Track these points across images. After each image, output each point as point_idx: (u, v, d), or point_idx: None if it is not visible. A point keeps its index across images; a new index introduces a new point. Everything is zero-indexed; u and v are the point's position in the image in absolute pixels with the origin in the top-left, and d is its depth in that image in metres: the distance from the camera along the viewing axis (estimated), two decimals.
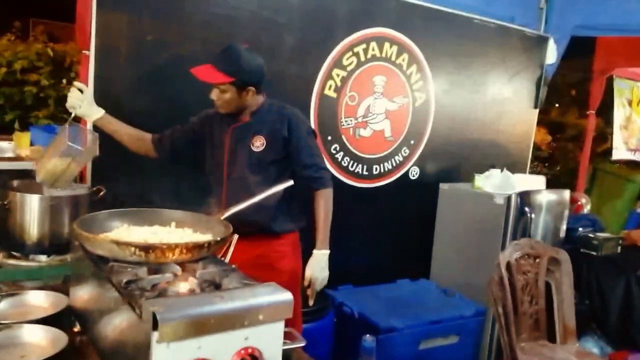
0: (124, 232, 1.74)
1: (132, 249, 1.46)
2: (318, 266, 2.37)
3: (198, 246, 1.54)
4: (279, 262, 2.47)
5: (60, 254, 2.33)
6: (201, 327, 1.24)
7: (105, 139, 2.69)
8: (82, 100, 2.38)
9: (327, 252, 2.38)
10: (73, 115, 2.33)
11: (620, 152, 6.05)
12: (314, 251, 2.37)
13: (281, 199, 2.38)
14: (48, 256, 2.34)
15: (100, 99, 2.67)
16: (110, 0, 2.65)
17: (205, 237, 1.74)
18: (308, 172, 2.40)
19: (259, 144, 2.40)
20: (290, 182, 2.18)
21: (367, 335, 2.96)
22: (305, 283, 2.36)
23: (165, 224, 1.83)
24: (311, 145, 2.45)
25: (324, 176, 2.43)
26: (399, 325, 3.13)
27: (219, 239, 1.62)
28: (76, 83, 2.41)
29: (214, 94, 2.34)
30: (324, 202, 2.41)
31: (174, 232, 1.78)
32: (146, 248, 1.48)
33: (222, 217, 1.88)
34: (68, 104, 2.38)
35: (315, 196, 2.41)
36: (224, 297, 1.32)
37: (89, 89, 2.54)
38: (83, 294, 1.75)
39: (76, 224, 1.61)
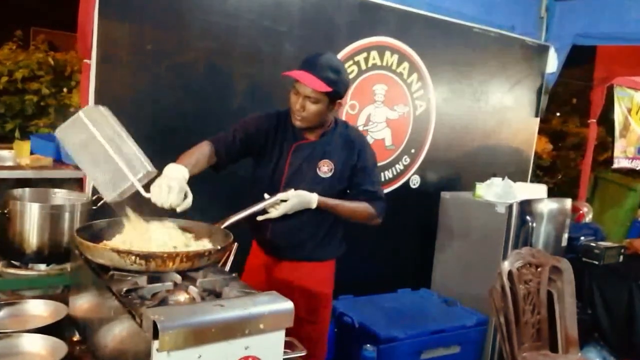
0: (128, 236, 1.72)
1: (133, 257, 1.46)
2: (298, 195, 2.12)
3: (199, 255, 1.53)
4: (317, 288, 2.38)
5: (60, 263, 2.32)
6: (202, 336, 1.23)
7: None
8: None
9: (315, 202, 2.16)
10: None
11: (620, 161, 6.06)
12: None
13: (330, 224, 2.33)
14: (47, 265, 2.33)
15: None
16: (112, 10, 2.65)
17: (206, 245, 1.73)
18: (366, 196, 2.30)
19: (326, 169, 2.26)
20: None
21: (368, 345, 2.97)
22: (275, 198, 2.09)
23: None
24: (376, 177, 2.38)
25: (376, 202, 2.31)
26: (400, 335, 3.11)
27: (219, 247, 1.60)
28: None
29: (299, 104, 2.15)
30: (361, 205, 2.28)
31: (175, 236, 1.74)
32: (146, 257, 1.47)
33: (223, 226, 1.86)
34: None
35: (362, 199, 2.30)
36: (224, 306, 1.31)
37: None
38: (82, 303, 1.74)
39: (76, 232, 1.61)
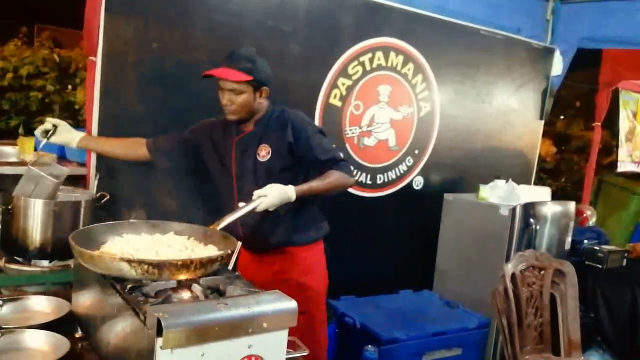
0: (122, 243, 1.68)
1: (145, 267, 1.41)
2: (278, 191, 2.10)
3: (212, 261, 1.51)
4: (303, 277, 2.39)
5: (63, 260, 2.33)
6: (205, 334, 1.23)
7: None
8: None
9: (294, 195, 2.16)
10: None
11: (625, 165, 6.04)
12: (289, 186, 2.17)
13: (298, 208, 2.32)
14: (50, 262, 2.34)
15: (106, 105, 2.69)
16: (119, 7, 2.66)
17: (210, 250, 1.69)
18: (325, 166, 2.30)
19: (264, 153, 2.34)
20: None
21: (370, 346, 2.97)
22: (255, 195, 2.09)
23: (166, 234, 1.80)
24: (323, 143, 2.34)
25: (343, 164, 2.33)
26: (402, 337, 3.10)
27: (230, 252, 1.58)
28: (50, 120, 2.43)
29: (226, 99, 2.27)
30: (331, 176, 2.26)
31: (175, 242, 1.72)
32: (159, 266, 1.42)
33: (219, 228, 1.85)
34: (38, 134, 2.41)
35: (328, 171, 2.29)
36: (228, 305, 1.31)
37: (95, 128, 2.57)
38: (86, 300, 1.74)
39: (73, 239, 1.54)
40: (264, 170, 2.32)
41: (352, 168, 3.57)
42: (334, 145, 2.47)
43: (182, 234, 1.81)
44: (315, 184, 2.25)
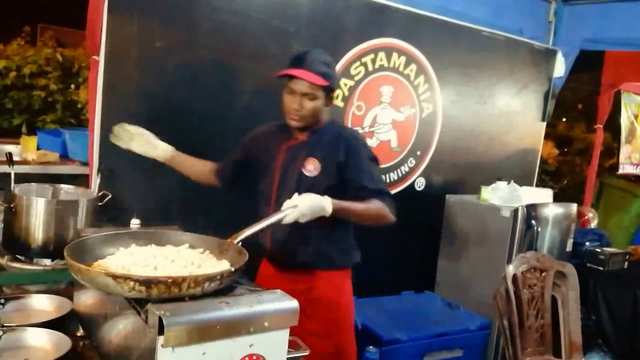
0: (123, 256, 1.56)
1: (131, 283, 1.27)
2: (310, 199, 1.89)
3: (209, 279, 1.35)
4: (326, 302, 2.25)
5: (64, 259, 2.32)
6: (206, 332, 1.23)
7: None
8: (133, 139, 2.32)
9: (329, 207, 1.93)
10: None
11: (625, 167, 6.04)
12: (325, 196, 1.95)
13: (332, 230, 2.19)
14: (52, 260, 2.34)
15: (109, 104, 2.69)
16: (121, 6, 2.66)
17: (222, 266, 1.54)
18: (368, 194, 2.12)
19: (311, 167, 2.18)
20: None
21: (371, 347, 2.96)
22: (285, 206, 1.88)
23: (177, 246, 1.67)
24: (372, 171, 2.19)
25: (389, 199, 2.14)
26: (403, 338, 3.10)
27: (232, 270, 1.43)
28: (131, 127, 2.33)
29: (297, 103, 2.12)
30: (371, 204, 2.09)
31: (183, 256, 1.57)
32: (147, 282, 1.28)
33: (236, 241, 1.69)
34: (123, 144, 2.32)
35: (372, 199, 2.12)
36: (229, 304, 1.31)
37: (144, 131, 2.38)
38: (87, 298, 1.74)
39: (67, 250, 1.43)
40: (307, 186, 2.12)
41: None
42: (380, 177, 2.30)
43: (197, 246, 1.67)
44: (355, 205, 2.07)
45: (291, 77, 2.13)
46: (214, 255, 1.63)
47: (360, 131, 3.61)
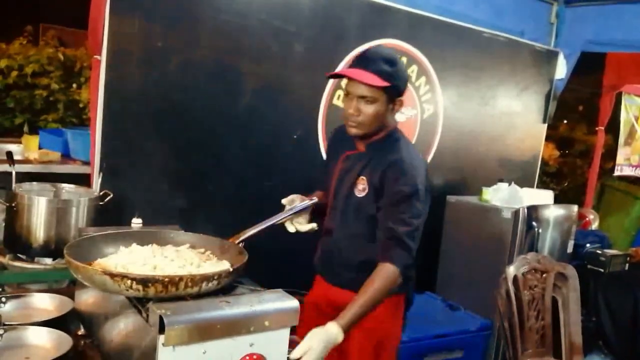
0: (123, 255, 1.55)
1: (129, 282, 1.27)
2: (321, 340, 1.63)
3: (206, 278, 1.34)
4: (368, 327, 1.97)
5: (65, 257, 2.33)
6: (207, 331, 1.24)
7: (116, 138, 2.72)
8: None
9: (341, 335, 1.68)
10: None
11: (622, 168, 6.03)
12: (329, 323, 1.69)
13: (373, 251, 1.92)
14: (53, 259, 2.34)
15: (111, 104, 2.70)
16: (123, 6, 2.66)
17: (221, 266, 1.53)
18: (382, 235, 1.89)
19: (361, 187, 1.96)
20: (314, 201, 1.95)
21: None
22: (297, 354, 1.60)
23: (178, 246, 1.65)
24: (399, 210, 1.86)
25: (394, 249, 1.84)
26: (403, 338, 3.05)
27: (230, 270, 1.41)
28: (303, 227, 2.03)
29: (353, 107, 1.88)
30: (378, 278, 1.81)
31: (183, 256, 1.56)
32: (144, 281, 1.28)
33: (237, 241, 1.65)
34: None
35: (376, 266, 1.85)
36: (230, 303, 1.31)
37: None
38: (88, 297, 1.74)
39: (67, 249, 1.42)
40: (355, 206, 1.97)
41: None
42: (417, 219, 1.89)
43: (197, 246, 1.66)
44: (357, 299, 1.77)
45: (348, 79, 1.91)
46: (214, 255, 1.63)
47: None
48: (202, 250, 1.65)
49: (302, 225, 2.01)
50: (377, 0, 3.49)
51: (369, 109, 1.87)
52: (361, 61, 1.89)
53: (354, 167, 2.00)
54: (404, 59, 3.68)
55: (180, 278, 1.29)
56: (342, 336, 1.69)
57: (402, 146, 1.95)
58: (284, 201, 2.04)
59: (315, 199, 2.01)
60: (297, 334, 1.59)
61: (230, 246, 1.64)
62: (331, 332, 1.67)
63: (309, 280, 2.25)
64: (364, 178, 1.95)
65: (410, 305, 2.24)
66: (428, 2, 3.79)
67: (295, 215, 1.99)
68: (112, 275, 1.28)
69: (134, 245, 1.60)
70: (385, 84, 1.84)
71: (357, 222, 1.98)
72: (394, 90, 1.89)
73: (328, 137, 2.22)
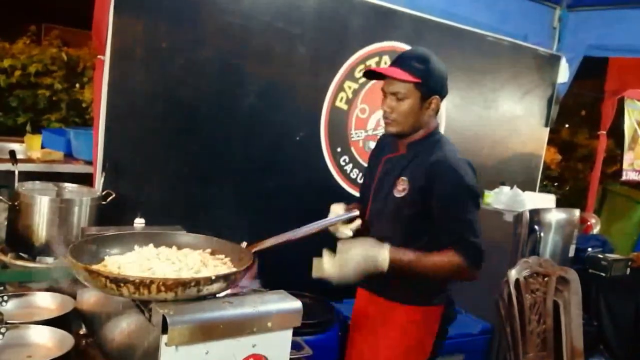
0: (126, 256, 1.52)
1: (102, 280, 1.27)
2: (367, 248, 1.75)
3: (181, 284, 1.27)
4: (397, 338, 2.02)
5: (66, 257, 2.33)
6: (210, 332, 1.23)
7: (119, 138, 2.72)
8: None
9: (385, 261, 1.75)
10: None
11: (628, 173, 6.03)
12: (386, 245, 1.79)
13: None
14: (55, 258, 2.34)
15: (114, 104, 2.70)
16: (127, 6, 2.67)
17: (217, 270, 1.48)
18: (449, 240, 1.85)
19: (401, 187, 1.94)
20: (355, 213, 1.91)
21: None
22: (344, 239, 1.77)
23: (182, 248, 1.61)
24: (458, 211, 1.86)
25: (468, 246, 1.83)
26: None
27: (213, 277, 1.32)
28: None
29: (386, 104, 1.94)
30: (442, 255, 1.82)
31: (189, 260, 1.51)
32: (117, 281, 1.26)
33: (253, 250, 1.56)
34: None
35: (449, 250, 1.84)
36: (233, 303, 1.31)
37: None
38: (90, 297, 1.74)
39: (71, 251, 1.41)
40: (394, 207, 1.95)
41: (357, 172, 3.60)
42: (473, 215, 1.90)
43: (219, 252, 1.60)
44: (423, 260, 1.82)
45: (382, 78, 1.98)
46: (229, 260, 1.56)
47: (364, 134, 3.61)
48: (222, 256, 1.58)
49: (347, 232, 1.97)
50: (381, 3, 3.50)
51: (401, 106, 1.91)
52: (396, 60, 1.95)
53: (394, 169, 2.00)
54: None
55: (151, 281, 1.25)
56: (385, 265, 1.75)
57: (444, 145, 1.97)
58: (334, 208, 2.02)
59: (356, 212, 1.99)
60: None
61: (242, 252, 1.56)
62: (379, 250, 1.75)
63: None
64: (405, 179, 1.94)
65: (450, 321, 2.19)
66: (432, 5, 3.80)
67: (341, 223, 1.97)
68: (90, 272, 1.30)
69: (150, 246, 1.58)
70: (414, 79, 1.88)
71: (395, 223, 1.98)
72: (426, 87, 1.91)
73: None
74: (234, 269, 1.43)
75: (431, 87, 1.93)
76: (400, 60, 1.93)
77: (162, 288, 1.25)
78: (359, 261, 1.76)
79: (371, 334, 2.10)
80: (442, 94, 1.99)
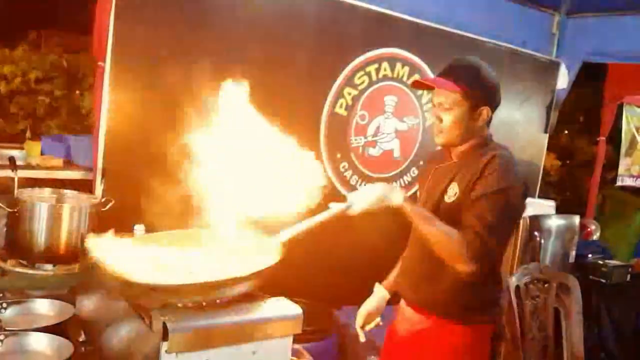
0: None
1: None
2: (382, 191, 1.77)
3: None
4: (450, 352, 1.94)
5: (67, 264, 2.33)
6: (210, 339, 1.23)
7: (119, 145, 2.71)
8: None
9: (399, 196, 1.77)
10: None
11: (624, 179, 6.03)
12: (402, 191, 1.81)
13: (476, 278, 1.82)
14: (54, 265, 2.34)
15: (114, 110, 2.70)
16: (128, 13, 2.67)
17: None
18: (461, 227, 1.81)
19: (451, 192, 1.89)
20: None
21: (373, 356, 2.95)
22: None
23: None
24: (483, 206, 1.79)
25: (475, 239, 1.76)
26: None
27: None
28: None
29: (436, 115, 1.90)
30: (451, 237, 1.78)
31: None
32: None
33: (281, 240, 1.63)
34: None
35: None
36: (233, 310, 1.31)
37: None
38: (90, 304, 1.74)
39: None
40: (444, 212, 1.88)
41: (356, 179, 3.59)
42: (498, 216, 1.80)
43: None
44: (430, 220, 1.81)
45: (430, 88, 1.98)
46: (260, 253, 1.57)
47: (364, 140, 3.61)
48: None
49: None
50: (380, 9, 3.50)
51: (448, 117, 1.88)
52: (443, 71, 1.93)
53: (444, 176, 1.95)
54: (406, 68, 3.69)
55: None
56: (401, 200, 1.77)
57: (498, 148, 1.92)
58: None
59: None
60: None
61: (271, 246, 1.61)
62: (396, 191, 1.79)
63: None
64: (455, 183, 1.89)
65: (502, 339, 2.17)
66: (431, 11, 3.80)
67: None
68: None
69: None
70: (458, 88, 1.84)
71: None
72: (474, 97, 1.87)
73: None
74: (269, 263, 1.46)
75: (480, 97, 1.89)
76: (447, 70, 1.91)
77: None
78: (378, 186, 1.81)
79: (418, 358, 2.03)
80: (493, 104, 1.95)
